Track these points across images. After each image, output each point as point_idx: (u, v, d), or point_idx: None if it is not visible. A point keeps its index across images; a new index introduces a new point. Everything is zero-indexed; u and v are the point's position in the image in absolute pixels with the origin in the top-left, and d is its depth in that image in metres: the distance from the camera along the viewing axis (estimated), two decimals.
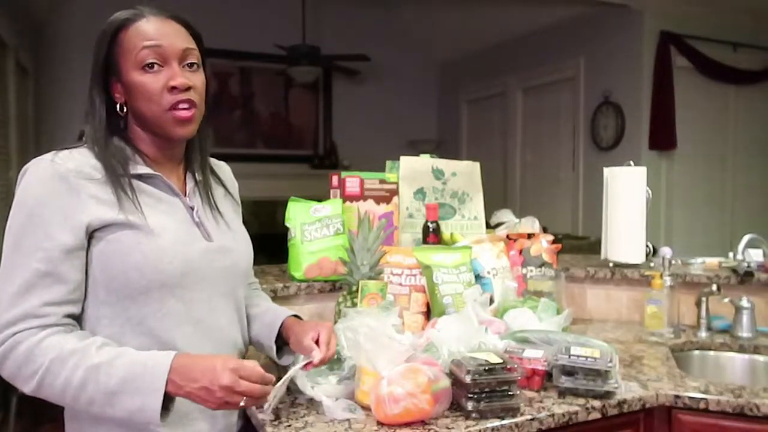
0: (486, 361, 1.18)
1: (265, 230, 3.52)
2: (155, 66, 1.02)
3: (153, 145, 1.08)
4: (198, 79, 1.06)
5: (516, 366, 1.19)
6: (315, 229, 1.68)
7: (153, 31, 1.02)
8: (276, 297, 1.66)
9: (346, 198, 1.79)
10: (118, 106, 1.06)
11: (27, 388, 0.95)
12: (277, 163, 6.16)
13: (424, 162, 1.91)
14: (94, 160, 1.02)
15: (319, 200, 1.75)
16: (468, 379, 1.14)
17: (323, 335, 1.14)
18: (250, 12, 5.68)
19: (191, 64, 1.05)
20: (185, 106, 1.03)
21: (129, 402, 0.92)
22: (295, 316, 1.26)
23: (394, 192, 1.84)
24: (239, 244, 1.17)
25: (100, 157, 1.02)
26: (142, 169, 1.06)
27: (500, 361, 1.18)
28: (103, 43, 1.04)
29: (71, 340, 0.95)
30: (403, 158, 1.89)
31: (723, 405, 1.33)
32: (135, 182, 1.04)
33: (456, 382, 1.19)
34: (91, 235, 0.98)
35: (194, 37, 1.08)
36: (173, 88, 1.02)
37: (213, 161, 1.24)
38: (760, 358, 1.76)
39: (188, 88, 1.03)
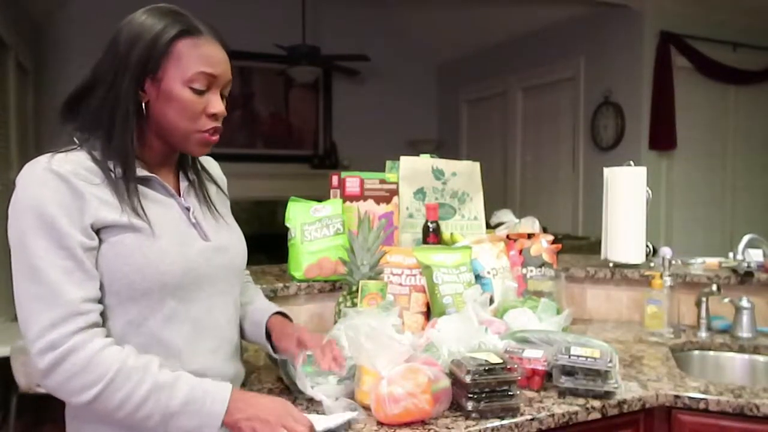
0: (486, 361, 1.18)
1: (265, 230, 3.52)
2: (202, 91, 1.03)
3: (156, 150, 1.07)
4: (225, 106, 1.09)
5: (516, 366, 1.19)
6: (315, 229, 1.68)
7: (213, 58, 1.03)
8: (276, 297, 1.66)
9: (346, 198, 1.79)
10: (143, 105, 1.03)
11: (81, 397, 0.92)
12: (277, 163, 6.17)
13: (424, 162, 1.91)
14: (90, 162, 1.00)
15: (319, 200, 1.75)
16: (468, 379, 1.14)
17: (308, 341, 1.18)
18: (250, 12, 5.69)
19: (224, 96, 1.08)
20: (213, 132, 1.06)
21: (187, 422, 0.95)
22: (280, 313, 1.28)
23: (394, 192, 1.84)
24: (235, 241, 1.18)
25: (98, 161, 1.00)
26: (140, 171, 1.04)
27: (500, 361, 1.18)
28: (155, 46, 0.99)
29: (131, 355, 0.95)
30: (403, 158, 1.89)
31: (723, 405, 1.33)
32: (133, 184, 1.03)
33: (456, 382, 1.19)
34: (96, 235, 0.98)
35: None
36: (213, 115, 1.05)
37: (201, 158, 1.23)
38: (760, 358, 1.76)
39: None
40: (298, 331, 1.22)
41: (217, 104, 1.05)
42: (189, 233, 1.08)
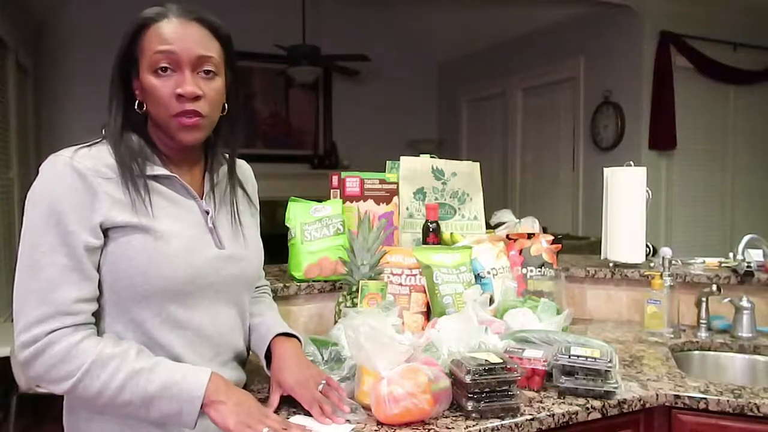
0: (486, 360, 1.18)
1: (265, 230, 3.52)
2: (168, 70, 1.00)
3: (168, 146, 1.07)
4: (211, 87, 1.03)
5: (516, 366, 1.19)
6: (315, 229, 1.68)
7: (170, 34, 0.99)
8: (276, 297, 1.66)
9: (346, 198, 1.79)
10: (137, 103, 1.04)
11: (59, 387, 0.95)
12: (277, 163, 6.17)
13: (424, 162, 1.91)
14: (111, 159, 1.01)
15: (319, 200, 1.75)
16: (468, 378, 1.14)
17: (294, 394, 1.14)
18: (250, 12, 5.68)
19: (207, 71, 1.02)
20: (189, 115, 1.01)
21: (167, 406, 0.95)
22: (287, 334, 1.22)
23: (394, 192, 1.84)
24: (250, 251, 1.15)
25: (116, 156, 1.01)
26: (159, 169, 1.04)
27: (500, 360, 1.18)
28: (126, 39, 1.02)
29: (109, 344, 0.96)
30: (403, 158, 1.89)
31: (723, 405, 1.33)
32: (150, 183, 1.02)
33: (456, 382, 1.19)
34: (104, 233, 0.98)
35: (220, 40, 1.05)
36: (180, 96, 0.99)
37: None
38: (760, 358, 1.76)
39: (196, 98, 1.00)
40: (290, 375, 1.15)
41: (184, 84, 0.99)
42: (203, 239, 1.06)
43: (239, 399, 1.00)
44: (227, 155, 1.16)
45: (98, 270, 0.99)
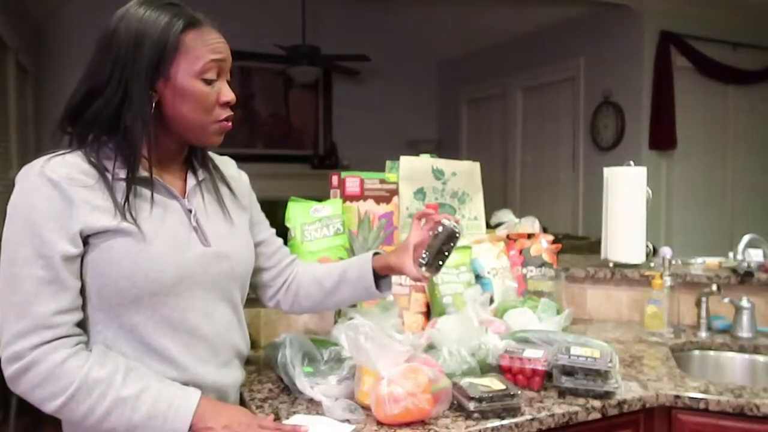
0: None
1: None
2: (213, 81, 1.02)
3: (167, 147, 1.05)
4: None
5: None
6: (315, 229, 1.68)
7: (220, 45, 1.03)
8: None
9: (346, 198, 1.78)
10: (154, 103, 1.00)
11: (45, 407, 0.93)
12: (277, 163, 6.17)
13: (424, 162, 1.91)
14: (87, 165, 0.98)
15: (319, 200, 1.75)
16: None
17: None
18: (250, 12, 5.68)
19: (228, 82, 1.07)
20: (229, 120, 1.06)
21: None
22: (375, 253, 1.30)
23: (394, 192, 1.84)
24: (237, 248, 1.12)
25: (95, 163, 0.98)
26: (141, 172, 1.01)
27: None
28: (164, 44, 0.97)
29: (95, 366, 0.94)
30: (403, 158, 1.89)
31: (723, 405, 1.33)
32: (131, 186, 1.00)
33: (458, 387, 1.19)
34: (85, 241, 0.96)
35: None
36: (226, 103, 1.04)
37: (216, 157, 1.20)
38: (760, 358, 1.76)
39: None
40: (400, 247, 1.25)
41: (228, 92, 1.05)
42: (188, 237, 1.04)
43: (229, 419, 0.98)
44: (202, 151, 1.14)
45: (82, 278, 0.97)
